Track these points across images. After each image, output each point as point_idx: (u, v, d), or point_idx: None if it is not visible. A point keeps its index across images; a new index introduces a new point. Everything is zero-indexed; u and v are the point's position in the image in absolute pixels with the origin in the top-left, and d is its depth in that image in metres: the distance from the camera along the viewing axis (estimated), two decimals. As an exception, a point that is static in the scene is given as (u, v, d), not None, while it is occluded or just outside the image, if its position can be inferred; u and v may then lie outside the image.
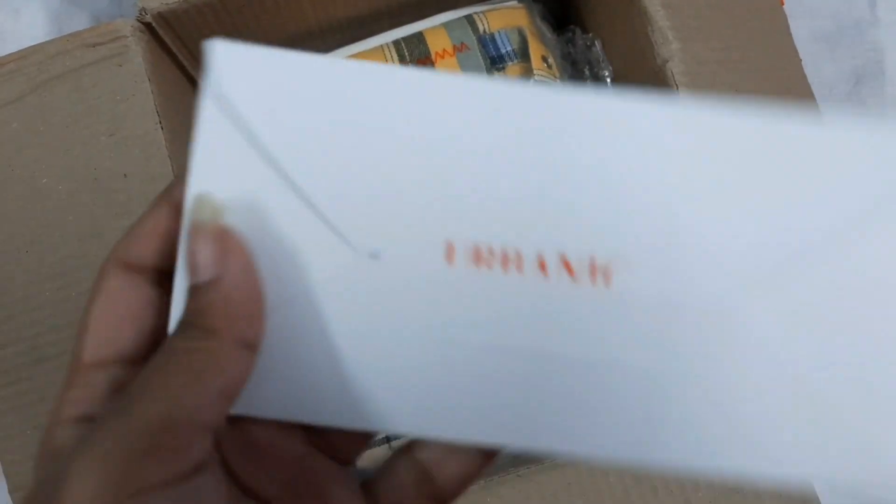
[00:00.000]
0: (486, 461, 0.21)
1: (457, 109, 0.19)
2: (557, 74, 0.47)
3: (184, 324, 0.19)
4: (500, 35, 0.46)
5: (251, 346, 0.19)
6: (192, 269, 0.19)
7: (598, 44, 0.49)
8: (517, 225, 0.19)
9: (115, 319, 0.19)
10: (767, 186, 0.19)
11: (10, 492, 0.36)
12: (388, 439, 0.42)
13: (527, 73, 0.45)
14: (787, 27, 0.46)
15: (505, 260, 0.19)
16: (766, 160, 0.19)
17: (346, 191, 0.19)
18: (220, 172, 0.20)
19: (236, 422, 0.20)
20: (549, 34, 0.49)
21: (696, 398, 0.18)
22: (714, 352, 0.18)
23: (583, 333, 0.19)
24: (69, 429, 0.19)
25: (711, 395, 0.18)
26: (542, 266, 0.19)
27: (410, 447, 0.21)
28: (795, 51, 0.46)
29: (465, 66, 0.45)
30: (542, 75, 0.45)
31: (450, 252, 0.19)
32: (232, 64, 0.20)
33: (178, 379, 0.17)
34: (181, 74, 0.47)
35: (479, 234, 0.19)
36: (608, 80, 0.48)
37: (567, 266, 0.19)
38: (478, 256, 0.19)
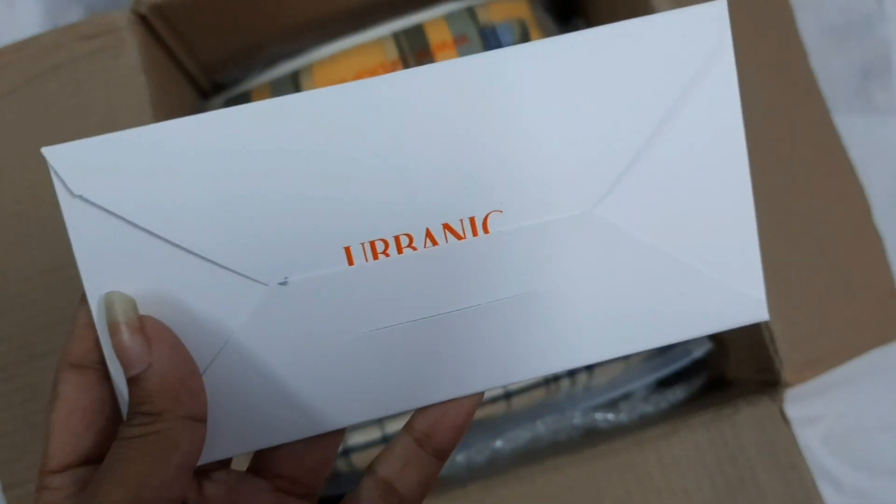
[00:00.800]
0: (440, 464, 0.23)
1: (293, 128, 0.20)
2: (560, 68, 0.46)
3: (132, 413, 0.20)
4: (501, 27, 0.45)
5: (199, 418, 0.20)
6: (124, 364, 0.20)
7: (601, 37, 0.48)
8: (398, 213, 0.20)
9: (74, 424, 0.21)
10: (593, 97, 0.21)
11: (4, 490, 0.36)
12: (385, 439, 0.41)
13: (528, 66, 0.45)
14: (793, 20, 0.45)
15: (398, 244, 0.21)
16: (584, 75, 0.21)
17: (234, 234, 0.20)
18: (109, 266, 0.20)
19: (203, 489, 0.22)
20: (551, 26, 0.48)
21: (560, 309, 0.21)
22: (572, 261, 0.21)
23: (472, 281, 0.21)
24: None
25: (569, 303, 0.21)
26: (431, 238, 0.21)
27: (371, 466, 0.23)
28: (801, 44, 0.45)
29: (465, 59, 0.45)
30: (544, 68, 0.45)
31: (349, 256, 0.21)
32: (73, 163, 0.20)
33: (138, 464, 0.19)
34: (176, 67, 0.47)
35: (369, 232, 0.20)
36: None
37: (450, 230, 0.21)
38: (374, 250, 0.21)
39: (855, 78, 0.61)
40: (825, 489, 0.53)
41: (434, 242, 0.21)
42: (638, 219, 0.21)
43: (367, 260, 0.21)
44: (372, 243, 0.20)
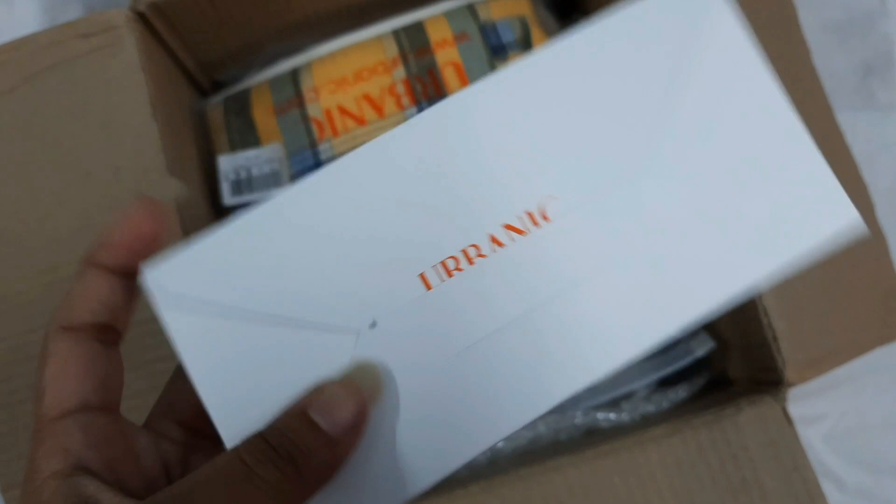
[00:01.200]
0: None
1: (347, 188, 0.21)
2: (561, 65, 0.46)
3: (274, 449, 0.19)
4: (501, 24, 0.45)
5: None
6: (327, 416, 0.19)
7: (602, 34, 0.48)
8: (459, 228, 0.21)
9: (72, 374, 0.21)
10: (609, 82, 0.22)
11: (3, 490, 0.36)
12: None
13: (529, 63, 0.44)
14: (796, 17, 0.45)
15: (468, 257, 0.21)
16: (597, 67, 0.22)
17: (320, 292, 0.21)
18: (218, 363, 0.21)
19: None
20: (552, 23, 0.48)
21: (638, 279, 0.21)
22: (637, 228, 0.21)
23: (547, 272, 0.21)
24: (53, 484, 0.19)
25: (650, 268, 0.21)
26: (497, 242, 0.21)
27: None
28: (804, 41, 0.45)
29: (465, 56, 0.44)
30: (544, 66, 0.44)
31: (425, 281, 0.21)
32: (167, 278, 0.21)
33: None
34: (175, 65, 0.46)
35: (438, 254, 0.21)
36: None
37: (512, 229, 0.21)
38: (447, 269, 0.21)
39: (857, 75, 0.61)
40: (827, 488, 0.53)
41: (500, 244, 0.21)
42: (695, 175, 0.22)
43: (442, 280, 0.21)
44: (443, 263, 0.21)
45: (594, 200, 0.21)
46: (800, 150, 0.22)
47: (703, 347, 0.41)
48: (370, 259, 0.21)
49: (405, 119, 0.44)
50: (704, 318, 0.21)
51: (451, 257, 0.21)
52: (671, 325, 0.21)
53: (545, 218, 0.21)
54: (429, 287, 0.21)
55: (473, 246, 0.21)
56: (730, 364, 0.43)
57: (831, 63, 0.61)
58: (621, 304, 0.21)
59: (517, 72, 0.22)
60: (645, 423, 0.41)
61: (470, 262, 0.21)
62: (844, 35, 0.61)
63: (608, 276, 0.21)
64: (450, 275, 0.21)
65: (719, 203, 0.21)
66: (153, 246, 0.21)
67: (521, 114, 0.22)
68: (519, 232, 0.21)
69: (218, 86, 0.51)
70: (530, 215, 0.21)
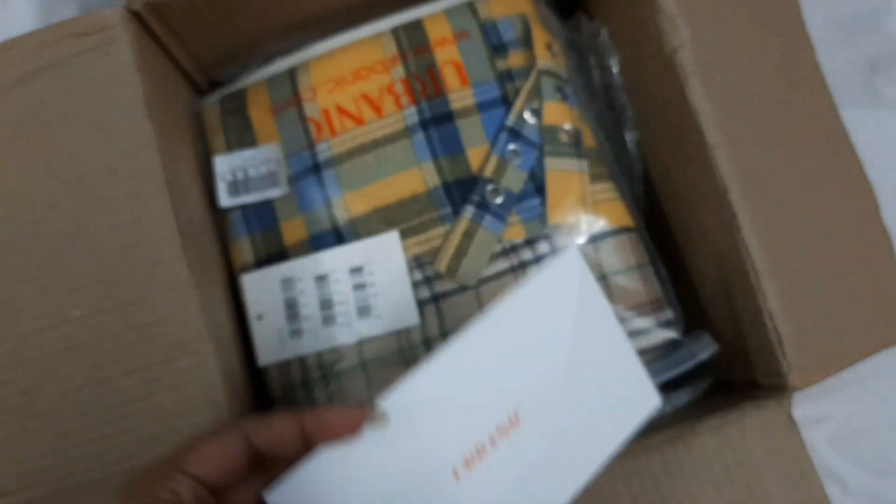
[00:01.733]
0: None
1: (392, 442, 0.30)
2: (562, 63, 0.45)
3: None
4: (502, 22, 0.45)
5: None
6: None
7: (604, 32, 0.47)
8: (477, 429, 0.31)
9: (209, 455, 0.28)
10: (529, 341, 0.33)
11: (-3, 497, 0.35)
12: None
13: (530, 61, 0.44)
14: (800, 14, 0.45)
15: (481, 452, 0.31)
16: (512, 332, 0.32)
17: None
18: None
19: None
20: (553, 21, 0.48)
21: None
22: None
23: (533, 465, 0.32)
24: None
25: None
26: (503, 434, 0.31)
27: None
28: (808, 39, 0.44)
29: (465, 55, 0.44)
30: (545, 64, 0.44)
31: (455, 473, 0.30)
32: (286, 497, 0.28)
33: None
34: (172, 65, 0.46)
35: (462, 450, 0.30)
36: (614, 69, 0.47)
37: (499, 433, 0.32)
38: (471, 461, 0.30)
39: (862, 72, 0.60)
40: (832, 490, 0.52)
41: (507, 436, 0.31)
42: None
43: (469, 470, 0.30)
44: (466, 458, 0.30)
45: (540, 409, 0.32)
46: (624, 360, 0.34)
47: (706, 351, 0.40)
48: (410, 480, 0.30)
49: (404, 119, 0.43)
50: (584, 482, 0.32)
51: (474, 449, 0.31)
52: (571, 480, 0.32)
53: (518, 420, 0.31)
54: (457, 479, 0.30)
55: (487, 441, 0.31)
56: (734, 367, 0.42)
57: (836, 60, 0.60)
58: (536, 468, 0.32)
59: (469, 340, 0.31)
60: (649, 428, 0.41)
61: (480, 458, 0.31)
62: (849, 32, 0.61)
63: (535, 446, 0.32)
64: (476, 462, 0.30)
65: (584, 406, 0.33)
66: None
67: (480, 367, 0.32)
68: (507, 431, 0.31)
69: (216, 85, 0.51)
70: (511, 420, 0.31)
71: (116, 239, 0.37)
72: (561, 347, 0.32)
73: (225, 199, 0.44)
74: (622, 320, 0.41)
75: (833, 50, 0.60)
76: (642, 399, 0.34)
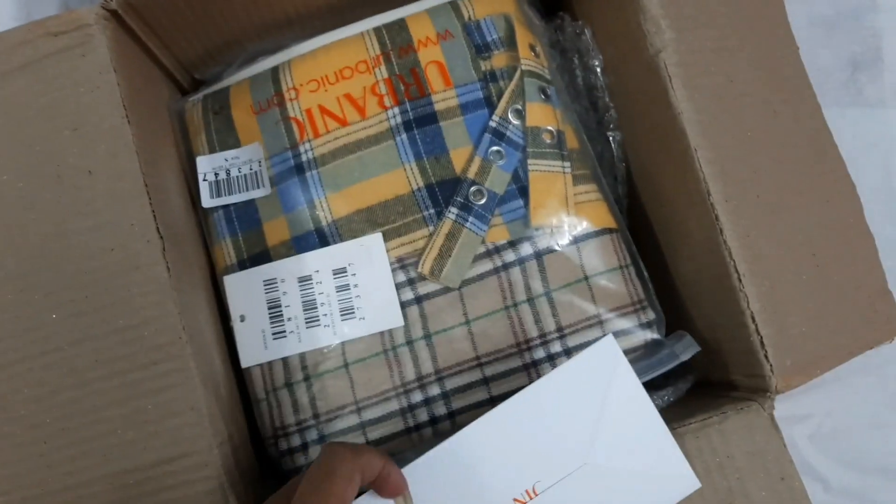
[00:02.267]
0: None
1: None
2: (545, 64, 0.45)
3: None
4: (485, 22, 0.44)
5: None
6: None
7: (588, 32, 0.47)
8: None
9: None
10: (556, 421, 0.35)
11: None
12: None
13: (513, 62, 0.44)
14: (784, 13, 0.45)
15: None
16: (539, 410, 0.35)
17: None
18: None
19: None
20: (536, 21, 0.47)
21: None
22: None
23: None
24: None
25: None
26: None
27: None
28: (792, 38, 0.44)
29: (449, 55, 0.44)
30: (529, 65, 0.43)
31: None
32: None
33: None
34: (153, 64, 0.45)
35: None
36: (598, 69, 0.46)
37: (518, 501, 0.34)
38: None
39: (845, 70, 0.61)
40: (812, 488, 0.53)
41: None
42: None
43: None
44: None
45: (559, 482, 0.34)
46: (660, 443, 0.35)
47: (688, 352, 0.40)
48: None
49: (387, 120, 0.43)
50: None
51: None
52: None
53: (535, 493, 0.34)
54: None
55: None
56: (715, 369, 0.42)
57: (819, 58, 0.60)
58: None
59: (501, 413, 0.34)
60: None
61: None
62: (832, 29, 0.61)
63: None
64: None
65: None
66: None
67: (508, 440, 0.34)
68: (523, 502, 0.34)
69: (200, 84, 0.50)
70: (528, 492, 0.34)
71: (95, 241, 0.36)
72: (589, 429, 0.34)
73: (207, 200, 0.44)
74: (604, 321, 0.41)
75: (816, 48, 0.60)
76: (679, 480, 0.34)
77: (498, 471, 0.34)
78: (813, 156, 0.42)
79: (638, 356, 0.41)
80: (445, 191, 0.42)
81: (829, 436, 0.54)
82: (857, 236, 0.42)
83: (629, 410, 0.35)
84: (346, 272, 0.42)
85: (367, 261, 0.42)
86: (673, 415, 0.37)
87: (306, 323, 0.42)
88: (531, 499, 0.33)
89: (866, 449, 0.54)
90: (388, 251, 0.42)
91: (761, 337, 0.37)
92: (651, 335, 0.41)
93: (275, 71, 0.45)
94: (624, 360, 0.35)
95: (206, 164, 0.44)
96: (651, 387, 0.40)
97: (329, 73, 0.44)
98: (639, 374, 0.39)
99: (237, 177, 0.44)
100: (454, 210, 0.41)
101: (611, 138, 0.46)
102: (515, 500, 0.33)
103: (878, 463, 0.54)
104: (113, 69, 0.37)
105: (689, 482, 0.34)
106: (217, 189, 0.44)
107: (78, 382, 0.36)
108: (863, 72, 0.61)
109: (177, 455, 0.35)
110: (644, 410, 0.35)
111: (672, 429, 0.35)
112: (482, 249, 0.42)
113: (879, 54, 0.61)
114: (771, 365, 0.37)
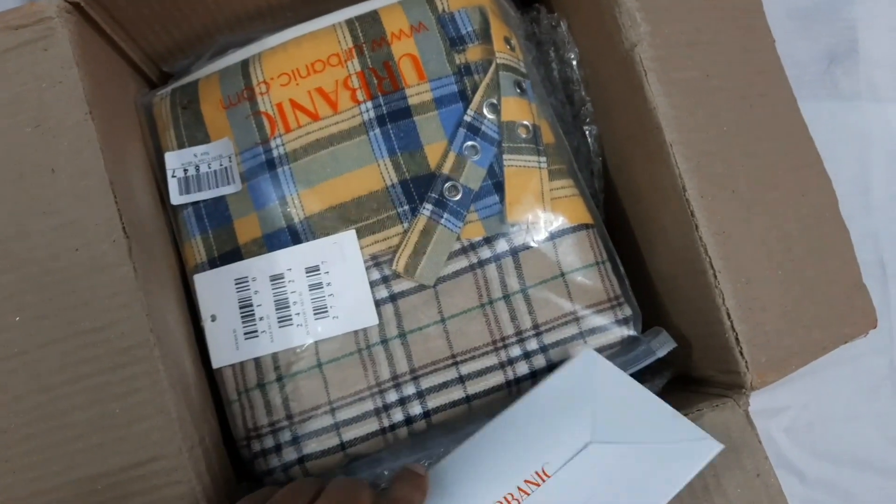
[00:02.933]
0: None
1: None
2: (520, 57, 0.45)
3: None
4: (460, 14, 0.44)
5: None
6: None
7: (563, 24, 0.46)
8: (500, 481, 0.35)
9: None
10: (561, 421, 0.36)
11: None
12: (342, 446, 0.40)
13: (488, 55, 0.43)
14: (761, 6, 0.44)
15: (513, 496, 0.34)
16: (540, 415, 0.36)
17: None
18: None
19: None
20: (512, 13, 0.47)
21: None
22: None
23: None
24: None
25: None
26: (524, 491, 0.34)
27: None
28: (769, 31, 0.44)
29: (423, 48, 0.43)
30: (504, 58, 0.43)
31: None
32: None
33: None
34: (120, 57, 0.44)
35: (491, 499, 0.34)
36: (574, 62, 0.46)
37: (530, 482, 0.35)
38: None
39: (821, 63, 0.61)
40: (788, 480, 0.53)
41: (527, 493, 0.34)
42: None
43: None
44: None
45: (567, 464, 0.35)
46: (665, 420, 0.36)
47: (663, 348, 0.40)
48: None
49: (360, 114, 0.42)
50: None
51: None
52: None
53: (546, 474, 0.34)
54: None
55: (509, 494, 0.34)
56: (692, 364, 0.42)
57: (795, 51, 0.60)
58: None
59: (512, 415, 0.36)
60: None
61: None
62: (808, 22, 0.61)
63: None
64: None
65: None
66: None
67: (522, 434, 0.36)
68: (536, 484, 0.34)
69: (169, 77, 0.49)
70: (538, 474, 0.34)
71: (58, 241, 0.35)
72: (588, 419, 0.36)
73: (176, 197, 0.43)
74: (580, 318, 0.40)
75: (793, 40, 0.60)
76: (698, 446, 0.34)
77: (504, 461, 0.35)
78: (789, 150, 0.42)
79: (614, 353, 0.41)
80: (420, 187, 0.41)
81: (804, 428, 0.54)
82: (833, 230, 0.42)
83: (624, 399, 0.36)
84: (318, 270, 0.41)
85: (341, 259, 0.41)
86: (649, 412, 0.37)
87: (279, 322, 0.41)
88: (543, 481, 0.34)
89: (842, 441, 0.54)
90: (361, 249, 0.41)
91: (736, 333, 0.37)
92: (627, 331, 0.41)
93: (245, 64, 0.44)
94: (608, 364, 0.37)
95: (174, 160, 0.43)
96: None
97: (300, 67, 0.43)
98: (615, 370, 0.39)
99: (207, 173, 0.43)
100: (429, 206, 0.41)
101: (587, 132, 0.46)
102: (526, 481, 0.34)
103: (854, 455, 0.54)
104: (76, 63, 0.36)
105: (711, 445, 0.34)
106: (186, 185, 0.43)
107: (42, 387, 0.35)
108: (839, 64, 0.61)
109: (145, 459, 0.35)
110: (640, 395, 0.36)
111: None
112: (457, 246, 0.41)
113: (855, 46, 0.61)
114: (746, 361, 0.37)
